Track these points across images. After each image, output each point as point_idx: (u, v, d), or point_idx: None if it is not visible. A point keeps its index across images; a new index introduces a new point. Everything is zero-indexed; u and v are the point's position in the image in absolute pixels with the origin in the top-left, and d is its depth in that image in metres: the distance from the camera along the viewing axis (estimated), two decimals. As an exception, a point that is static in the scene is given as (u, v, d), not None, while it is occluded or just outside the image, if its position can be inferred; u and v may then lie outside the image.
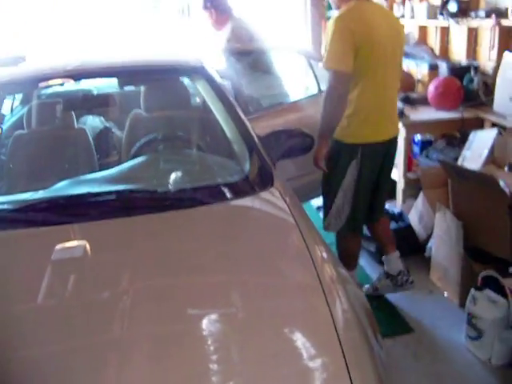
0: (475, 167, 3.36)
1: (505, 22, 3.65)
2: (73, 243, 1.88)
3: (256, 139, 2.38)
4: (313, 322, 1.57)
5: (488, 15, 3.76)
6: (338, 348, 1.43)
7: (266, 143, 2.39)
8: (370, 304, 1.90)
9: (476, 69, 4.05)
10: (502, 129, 3.52)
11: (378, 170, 2.97)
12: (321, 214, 4.23)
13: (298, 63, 4.37)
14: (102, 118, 3.40)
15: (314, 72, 3.98)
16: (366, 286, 3.36)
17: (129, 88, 3.60)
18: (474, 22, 3.98)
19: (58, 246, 1.84)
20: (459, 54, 4.40)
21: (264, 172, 2.18)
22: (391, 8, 5.14)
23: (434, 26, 4.65)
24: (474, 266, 3.04)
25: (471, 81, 4.03)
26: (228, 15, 4.15)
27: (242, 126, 2.42)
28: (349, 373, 1.37)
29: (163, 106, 2.97)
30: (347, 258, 3.09)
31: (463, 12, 4.06)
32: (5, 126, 3.21)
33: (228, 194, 2.07)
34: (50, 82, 2.94)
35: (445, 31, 4.55)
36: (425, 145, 4.14)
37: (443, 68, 4.26)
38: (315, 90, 3.96)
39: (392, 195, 4.16)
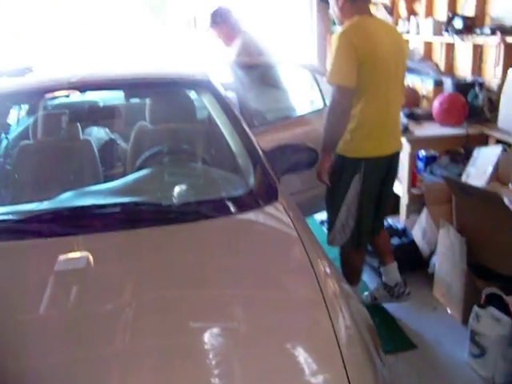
0: (479, 184, 3.35)
1: (510, 39, 3.66)
2: (77, 255, 1.88)
3: (261, 153, 2.38)
4: (315, 337, 1.56)
5: (493, 32, 3.78)
6: (341, 364, 1.43)
7: (271, 157, 2.40)
8: (373, 320, 1.89)
9: (481, 85, 4.06)
10: (507, 145, 3.53)
11: (380, 184, 2.97)
12: (324, 229, 4.24)
13: (304, 77, 4.39)
14: (107, 130, 3.42)
15: (319, 86, 4.00)
16: (366, 293, 3.40)
17: (134, 100, 3.61)
18: (479, 39, 3.99)
19: (62, 258, 1.84)
20: (464, 70, 4.41)
21: (268, 186, 2.18)
22: (396, 23, 5.16)
23: (439, 42, 4.67)
24: (478, 283, 3.03)
25: (476, 97, 4.04)
26: (237, 30, 4.16)
27: (247, 140, 2.42)
28: None
29: (168, 119, 2.99)
30: (351, 273, 3.08)
31: (468, 29, 4.07)
32: (11, 136, 3.22)
33: (232, 208, 2.07)
34: (56, 94, 2.96)
35: (450, 47, 4.56)
36: (429, 160, 4.14)
37: (448, 84, 4.27)
38: (320, 105, 3.97)
39: (395, 211, 4.16)
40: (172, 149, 2.80)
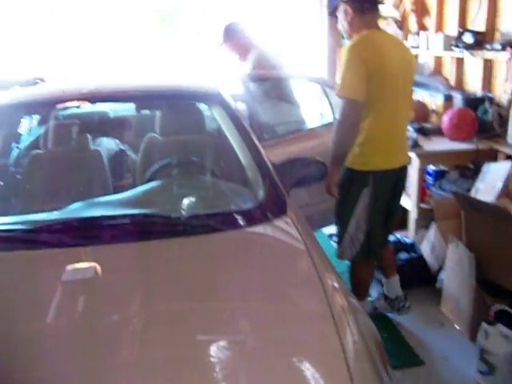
0: (489, 199, 3.34)
1: (520, 55, 3.66)
2: (86, 266, 1.88)
3: (270, 167, 2.39)
4: (322, 351, 1.55)
5: (503, 47, 3.78)
6: (348, 379, 1.42)
7: (281, 171, 2.40)
8: (380, 335, 1.88)
9: (491, 100, 4.05)
10: (517, 161, 3.52)
11: (389, 197, 2.98)
12: (332, 242, 4.24)
13: (313, 91, 4.40)
14: (117, 141, 3.43)
15: (328, 100, 4.01)
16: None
17: (144, 111, 3.63)
18: (489, 54, 3.99)
19: (71, 268, 1.84)
20: (474, 85, 4.41)
21: (277, 200, 2.18)
22: (406, 38, 5.18)
23: (449, 57, 4.67)
24: (486, 299, 3.01)
25: (486, 112, 4.03)
26: (250, 45, 4.18)
27: (257, 154, 2.42)
28: None
29: (178, 131, 3.00)
30: (359, 287, 3.09)
31: (479, 44, 4.08)
32: (22, 146, 3.25)
33: (241, 222, 2.06)
34: (67, 105, 2.98)
35: (460, 62, 4.57)
36: (438, 175, 4.13)
37: (458, 99, 4.27)
38: (330, 118, 3.98)
39: (404, 225, 4.15)
40: (181, 161, 2.81)
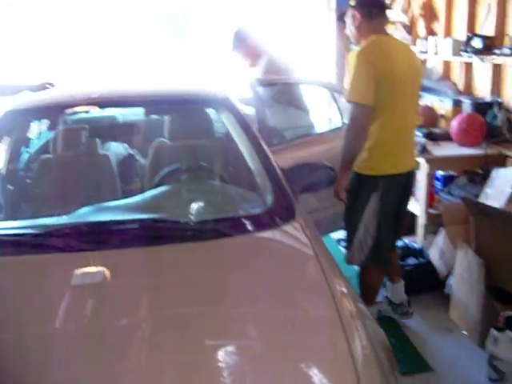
0: (498, 205, 3.32)
1: (529, 60, 3.66)
2: (94, 270, 1.89)
3: (279, 172, 2.39)
4: (331, 356, 1.56)
5: (513, 52, 3.77)
6: None
7: (289, 176, 2.40)
8: (389, 340, 1.87)
9: (500, 105, 4.04)
10: (526, 167, 3.50)
11: (397, 202, 2.98)
12: (341, 247, 4.24)
13: (322, 96, 4.40)
14: (125, 145, 3.44)
15: (337, 104, 4.00)
16: None
17: (153, 116, 3.64)
18: (498, 59, 3.98)
19: (80, 273, 1.85)
20: (483, 90, 4.40)
21: (286, 205, 2.18)
22: (415, 43, 5.17)
23: (457, 62, 4.66)
24: (496, 306, 2.99)
25: (495, 117, 4.02)
26: (260, 50, 4.19)
27: (266, 159, 2.43)
28: None
29: (187, 136, 3.01)
30: (368, 292, 3.10)
31: (487, 49, 4.07)
32: (31, 150, 3.26)
33: (250, 227, 2.06)
34: (77, 109, 2.99)
35: (469, 67, 4.55)
36: (447, 181, 4.12)
37: (467, 104, 4.26)
38: (338, 123, 3.98)
39: (412, 230, 4.14)
40: (190, 166, 2.81)
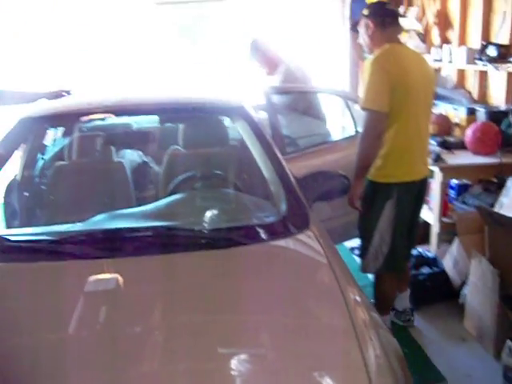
0: (512, 214, 3.30)
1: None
2: (108, 278, 1.89)
3: (293, 180, 2.39)
4: (344, 365, 1.55)
5: (528, 61, 3.76)
6: None
7: (303, 184, 2.40)
8: (402, 350, 1.87)
9: (515, 114, 4.02)
10: (541, 176, 3.48)
11: (411, 209, 2.97)
12: (354, 256, 4.22)
13: (336, 104, 4.40)
14: (140, 153, 3.46)
15: (351, 113, 4.00)
16: None
17: (168, 124, 3.66)
18: (513, 68, 3.97)
19: (95, 280, 1.86)
20: (497, 98, 4.38)
21: (300, 214, 2.18)
22: (429, 51, 5.16)
23: (472, 70, 4.65)
24: (510, 316, 2.97)
25: (509, 126, 4.00)
26: (277, 59, 4.21)
27: (280, 167, 2.43)
28: None
29: (201, 144, 3.02)
30: (383, 300, 3.09)
31: (502, 57, 4.05)
32: (46, 157, 3.29)
33: (263, 236, 2.06)
34: (93, 117, 3.02)
35: (483, 75, 4.54)
36: (461, 189, 4.10)
37: (481, 112, 4.24)
38: (352, 132, 3.98)
39: (425, 239, 4.12)
40: (205, 174, 2.83)
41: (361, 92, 2.84)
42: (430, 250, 4.05)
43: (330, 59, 6.47)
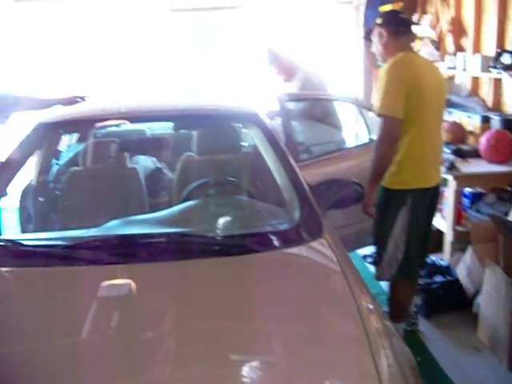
0: (527, 223, 3.28)
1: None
2: (121, 283, 1.90)
3: (306, 188, 2.39)
4: (357, 374, 1.54)
5: (543, 69, 3.73)
6: None
7: (317, 192, 2.40)
8: (415, 359, 1.86)
9: (529, 122, 4.00)
10: (556, 184, 3.45)
11: (425, 216, 2.97)
12: (367, 264, 4.21)
13: (349, 112, 4.39)
14: (153, 159, 3.48)
15: (365, 121, 4.00)
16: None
17: (182, 131, 3.68)
18: (528, 76, 3.94)
19: (107, 286, 1.86)
20: (512, 106, 4.36)
21: (313, 221, 2.18)
22: (443, 59, 5.15)
23: (486, 78, 4.63)
24: (525, 326, 2.95)
25: (524, 134, 3.98)
26: (294, 66, 4.23)
27: (293, 175, 2.43)
28: None
29: (215, 151, 3.03)
30: (398, 308, 3.09)
31: (517, 65, 4.04)
32: (61, 162, 3.32)
33: (276, 243, 2.07)
34: (107, 123, 3.04)
35: (498, 83, 4.52)
36: (475, 198, 4.08)
37: (495, 120, 4.22)
38: (366, 139, 3.97)
39: (439, 248, 4.10)
40: (218, 181, 2.83)
41: (374, 100, 2.85)
42: (443, 258, 4.03)
43: (344, 67, 6.47)
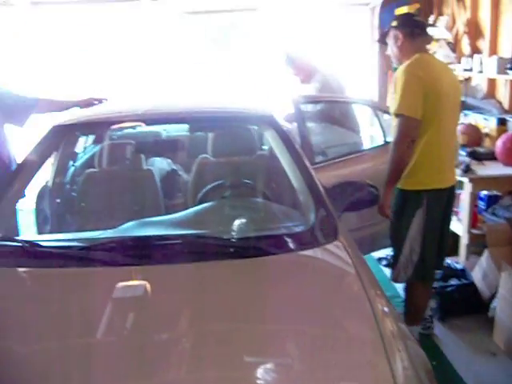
0: (544, 226, 3.25)
1: None
2: (137, 285, 1.91)
3: (322, 190, 2.39)
4: (372, 377, 1.54)
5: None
6: None
7: (332, 194, 2.39)
8: (430, 363, 1.85)
9: (546, 125, 3.97)
10: None
11: (441, 218, 2.96)
12: (381, 266, 4.20)
13: (365, 114, 4.38)
14: (169, 161, 3.50)
15: (380, 123, 3.99)
16: None
17: (197, 132, 3.69)
18: (545, 78, 3.91)
19: (123, 287, 1.88)
20: (529, 109, 4.33)
21: (329, 224, 2.18)
22: (459, 61, 5.12)
23: (503, 80, 4.59)
24: (541, 330, 2.92)
25: (541, 137, 3.94)
26: (311, 68, 4.23)
27: (309, 177, 2.43)
28: None
29: (231, 153, 3.04)
30: (414, 310, 3.09)
31: (534, 67, 4.01)
32: (77, 164, 3.35)
33: (292, 245, 2.06)
34: (124, 125, 3.06)
35: (514, 85, 4.49)
36: (491, 201, 4.05)
37: (512, 123, 4.20)
38: (381, 141, 3.96)
39: (454, 251, 4.07)
40: (233, 183, 2.84)
41: (389, 102, 2.84)
42: (458, 261, 4.00)
43: (359, 69, 6.45)
